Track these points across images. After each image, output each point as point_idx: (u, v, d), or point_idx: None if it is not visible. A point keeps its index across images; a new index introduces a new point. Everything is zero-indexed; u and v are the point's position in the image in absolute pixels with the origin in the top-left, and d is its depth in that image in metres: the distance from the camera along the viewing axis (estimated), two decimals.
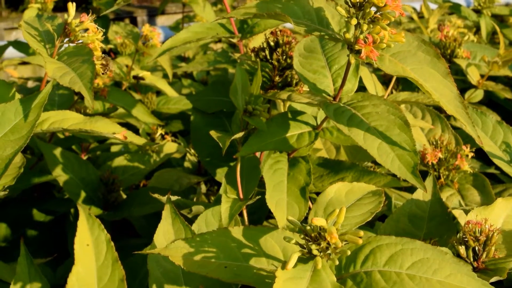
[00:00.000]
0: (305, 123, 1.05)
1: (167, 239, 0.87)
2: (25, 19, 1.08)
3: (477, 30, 2.45)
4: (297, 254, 0.66)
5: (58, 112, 1.09)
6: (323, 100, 0.95)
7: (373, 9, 0.83)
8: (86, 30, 1.05)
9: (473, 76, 1.79)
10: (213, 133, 1.02)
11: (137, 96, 2.00)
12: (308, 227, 0.66)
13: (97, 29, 1.04)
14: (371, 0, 0.80)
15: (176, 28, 3.11)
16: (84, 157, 1.72)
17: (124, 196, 1.49)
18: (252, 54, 1.18)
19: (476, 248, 0.86)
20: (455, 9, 2.49)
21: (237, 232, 0.74)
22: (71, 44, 1.05)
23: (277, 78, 1.18)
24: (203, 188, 1.48)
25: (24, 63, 2.84)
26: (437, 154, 1.29)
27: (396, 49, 0.87)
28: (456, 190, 1.27)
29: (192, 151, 1.62)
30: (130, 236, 1.60)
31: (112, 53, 2.41)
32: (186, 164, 1.68)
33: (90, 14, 1.04)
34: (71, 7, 1.04)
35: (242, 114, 1.03)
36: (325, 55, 1.02)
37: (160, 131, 1.77)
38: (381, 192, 0.79)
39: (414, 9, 2.77)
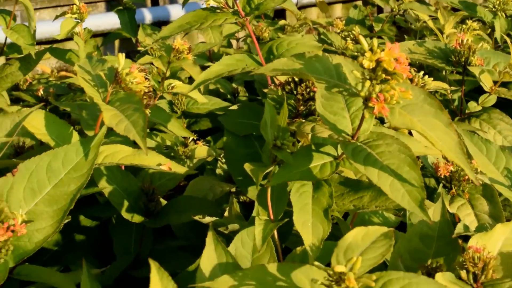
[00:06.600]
0: (327, 154, 1.17)
1: (211, 263, 1.02)
2: (78, 62, 1.21)
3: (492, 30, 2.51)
4: None
5: (110, 146, 1.23)
6: (342, 140, 1.08)
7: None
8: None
9: (486, 83, 1.89)
10: (247, 166, 1.16)
11: (168, 96, 2.15)
12: (331, 271, 0.80)
13: (146, 79, 1.18)
14: (382, 64, 0.93)
15: None
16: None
17: (164, 202, 1.61)
18: (279, 88, 1.31)
19: (476, 272, 0.99)
20: (471, 9, 2.54)
21: (272, 268, 0.89)
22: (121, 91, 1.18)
23: (301, 108, 1.31)
24: (234, 201, 1.60)
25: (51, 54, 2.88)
26: (449, 167, 1.40)
27: (406, 102, 1.00)
28: (467, 200, 1.37)
29: (223, 160, 1.75)
30: (167, 236, 1.73)
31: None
32: (218, 171, 1.82)
33: (137, 67, 1.17)
34: (121, 57, 1.17)
35: (271, 147, 1.17)
36: (344, 97, 1.14)
37: (192, 137, 1.90)
38: (391, 234, 0.92)
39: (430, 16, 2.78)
